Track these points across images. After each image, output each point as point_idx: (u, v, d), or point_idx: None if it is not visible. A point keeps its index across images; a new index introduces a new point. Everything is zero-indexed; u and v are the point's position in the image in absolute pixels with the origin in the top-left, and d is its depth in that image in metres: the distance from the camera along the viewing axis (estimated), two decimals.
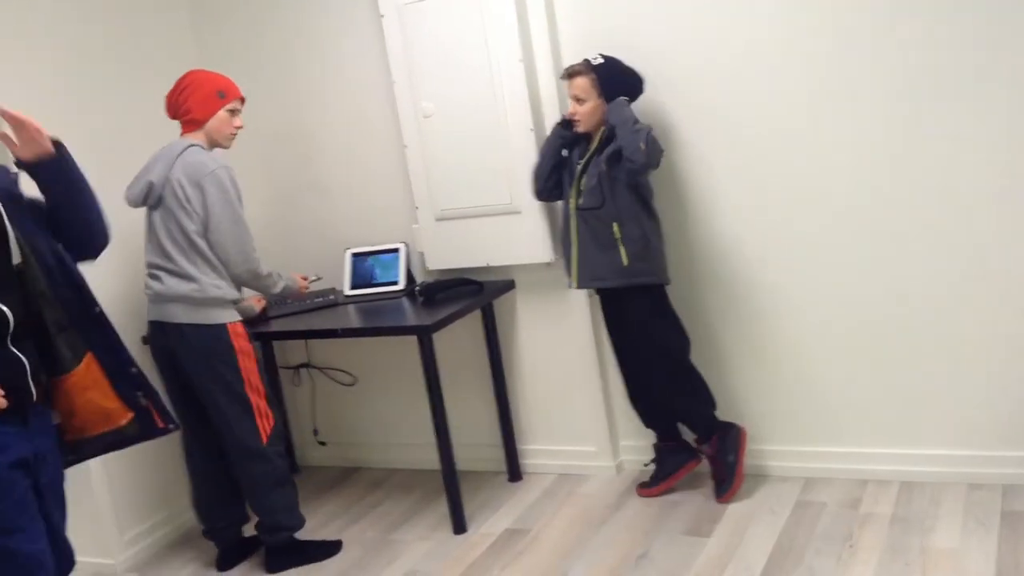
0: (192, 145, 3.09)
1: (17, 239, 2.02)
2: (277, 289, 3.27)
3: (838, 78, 3.03)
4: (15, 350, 2.01)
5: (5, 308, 1.98)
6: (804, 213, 3.17)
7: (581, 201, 3.17)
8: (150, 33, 3.73)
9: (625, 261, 3.12)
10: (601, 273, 3.19)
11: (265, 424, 3.16)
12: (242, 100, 3.22)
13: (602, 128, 3.16)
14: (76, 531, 3.42)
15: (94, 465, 3.32)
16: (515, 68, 3.35)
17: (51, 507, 2.13)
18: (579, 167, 3.20)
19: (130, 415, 2.23)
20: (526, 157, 3.40)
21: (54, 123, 3.30)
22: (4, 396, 1.96)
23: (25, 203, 2.10)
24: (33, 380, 2.04)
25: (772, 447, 3.39)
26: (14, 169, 2.09)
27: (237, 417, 3.13)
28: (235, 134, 3.21)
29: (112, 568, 3.42)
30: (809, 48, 3.05)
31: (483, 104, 3.42)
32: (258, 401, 3.15)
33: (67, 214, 2.15)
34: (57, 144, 2.09)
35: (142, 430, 2.27)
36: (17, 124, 2.02)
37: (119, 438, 2.24)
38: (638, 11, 3.25)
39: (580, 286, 3.28)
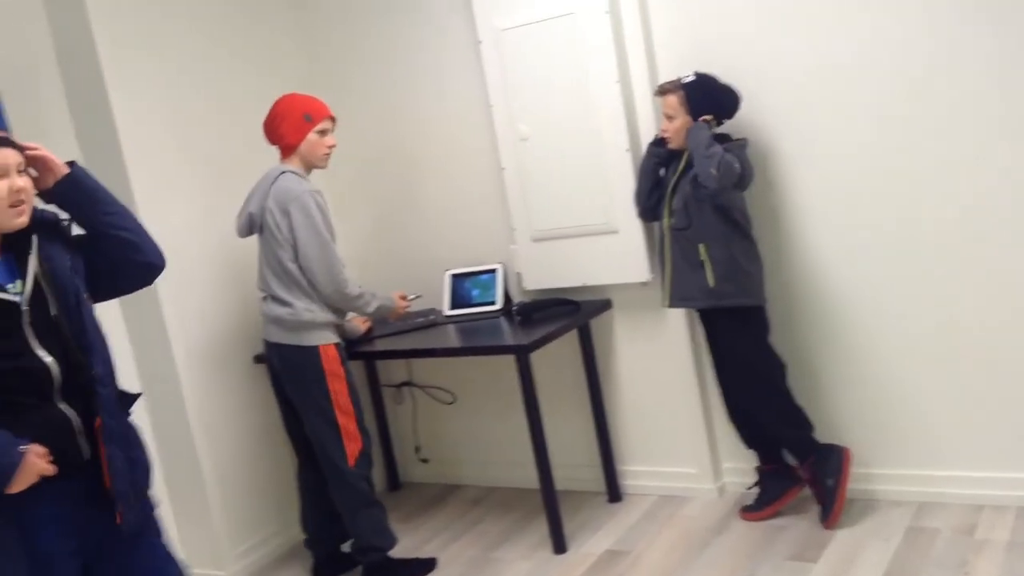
0: (285, 172, 3.18)
1: (52, 286, 2.00)
2: (370, 309, 3.32)
3: (937, 95, 2.94)
4: (64, 406, 1.97)
5: (51, 360, 1.95)
6: (907, 230, 3.08)
7: (672, 221, 3.16)
8: (260, 61, 3.88)
9: (711, 282, 3.09)
10: (690, 293, 3.17)
11: (352, 447, 3.21)
12: (332, 119, 3.27)
13: (688, 149, 3.14)
14: (190, 543, 3.57)
15: (208, 478, 3.47)
16: (611, 89, 3.36)
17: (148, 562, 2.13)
18: (669, 186, 3.19)
19: None
20: (622, 177, 3.40)
21: (169, 149, 3.47)
22: (52, 461, 1.91)
23: (66, 245, 2.10)
24: (83, 437, 2.00)
25: (882, 471, 3.29)
26: (63, 215, 2.10)
27: (327, 437, 3.21)
28: (328, 154, 3.27)
29: None
30: (912, 67, 2.97)
31: (579, 125, 3.44)
32: (347, 423, 3.21)
33: (102, 229, 2.11)
34: (70, 163, 2.11)
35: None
36: (33, 160, 2.03)
37: None
38: (736, 29, 3.22)
39: (670, 305, 3.26)
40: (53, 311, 2.00)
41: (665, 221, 3.20)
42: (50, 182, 2.07)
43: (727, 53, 3.22)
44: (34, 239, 2.01)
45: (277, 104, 3.24)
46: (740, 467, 3.53)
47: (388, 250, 4.15)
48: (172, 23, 3.54)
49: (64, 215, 2.12)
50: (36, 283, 1.98)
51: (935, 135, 2.98)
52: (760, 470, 3.36)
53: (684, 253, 3.15)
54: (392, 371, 4.27)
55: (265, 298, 3.24)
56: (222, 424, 3.57)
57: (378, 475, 4.14)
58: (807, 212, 3.23)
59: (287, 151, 3.23)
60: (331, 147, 3.27)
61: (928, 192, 3.03)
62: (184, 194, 3.51)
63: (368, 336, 3.64)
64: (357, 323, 3.58)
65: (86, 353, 2.03)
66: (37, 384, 1.95)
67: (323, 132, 3.23)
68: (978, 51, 2.87)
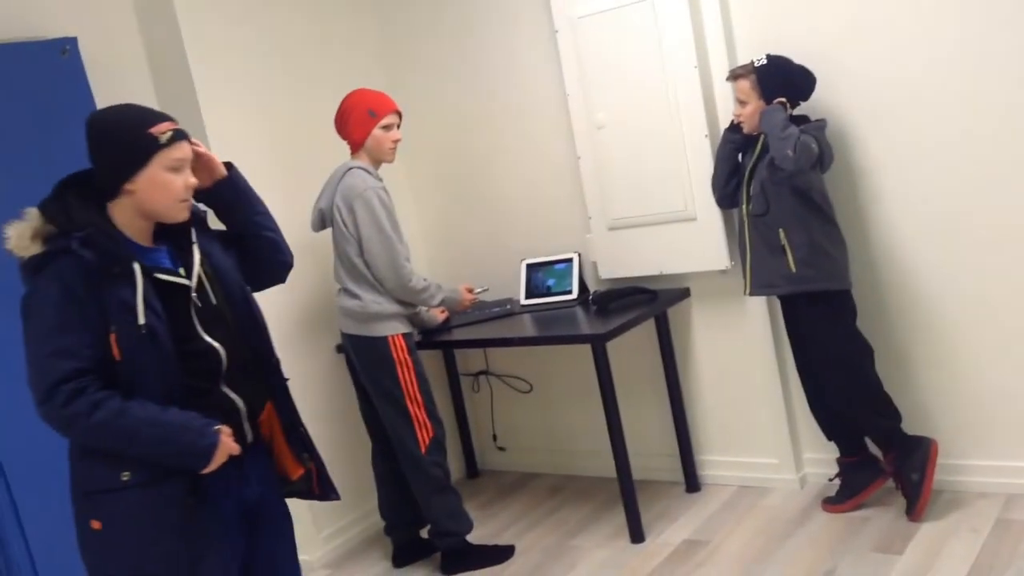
0: (352, 168, 3.24)
1: (211, 277, 2.06)
2: (435, 302, 3.38)
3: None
4: (229, 391, 2.04)
5: (218, 345, 2.01)
6: (993, 213, 2.99)
7: (751, 207, 3.12)
8: (336, 53, 3.95)
9: (793, 268, 3.04)
10: (772, 280, 3.12)
11: (424, 434, 3.28)
12: (397, 113, 3.31)
13: (763, 133, 3.10)
14: None
15: None
16: (690, 74, 3.33)
17: (275, 546, 2.18)
18: (746, 172, 3.15)
19: (300, 471, 2.21)
20: (701, 163, 3.37)
21: (251, 137, 3.55)
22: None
23: (217, 240, 2.15)
24: (248, 421, 2.07)
25: (970, 462, 3.20)
26: (201, 206, 2.17)
27: (400, 425, 3.28)
28: (394, 148, 3.31)
29: (309, 564, 3.62)
30: (997, 48, 2.87)
31: (656, 112, 3.42)
32: (417, 411, 3.28)
33: (251, 230, 2.19)
34: (228, 165, 2.17)
35: (308, 491, 2.25)
36: (197, 156, 2.07)
37: (289, 491, 2.23)
38: (815, 12, 3.16)
39: (752, 293, 3.22)
40: (215, 301, 2.05)
41: (744, 207, 3.16)
42: (207, 181, 2.12)
43: (807, 35, 3.16)
44: (192, 232, 2.08)
45: (344, 101, 3.30)
46: (822, 458, 3.48)
47: (463, 240, 4.19)
48: (253, 19, 3.62)
49: (202, 207, 2.18)
50: (198, 273, 2.05)
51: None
52: (842, 462, 3.29)
53: (764, 239, 3.10)
54: (469, 360, 4.31)
55: (339, 291, 3.33)
56: (307, 411, 3.63)
57: (456, 463, 4.21)
58: (896, 196, 3.15)
59: (355, 147, 3.30)
60: (396, 141, 3.31)
61: (1021, 179, 2.93)
62: (266, 185, 3.58)
63: (445, 325, 3.68)
64: (435, 313, 3.62)
65: (259, 341, 2.13)
66: (208, 368, 2.02)
67: (388, 127, 3.28)
68: None
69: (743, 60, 3.28)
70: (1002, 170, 2.96)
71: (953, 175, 3.04)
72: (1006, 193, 2.97)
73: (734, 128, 3.21)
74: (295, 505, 2.22)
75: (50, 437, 1.93)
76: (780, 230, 3.05)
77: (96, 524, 1.93)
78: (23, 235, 1.88)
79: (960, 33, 2.94)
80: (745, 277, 3.22)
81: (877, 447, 3.20)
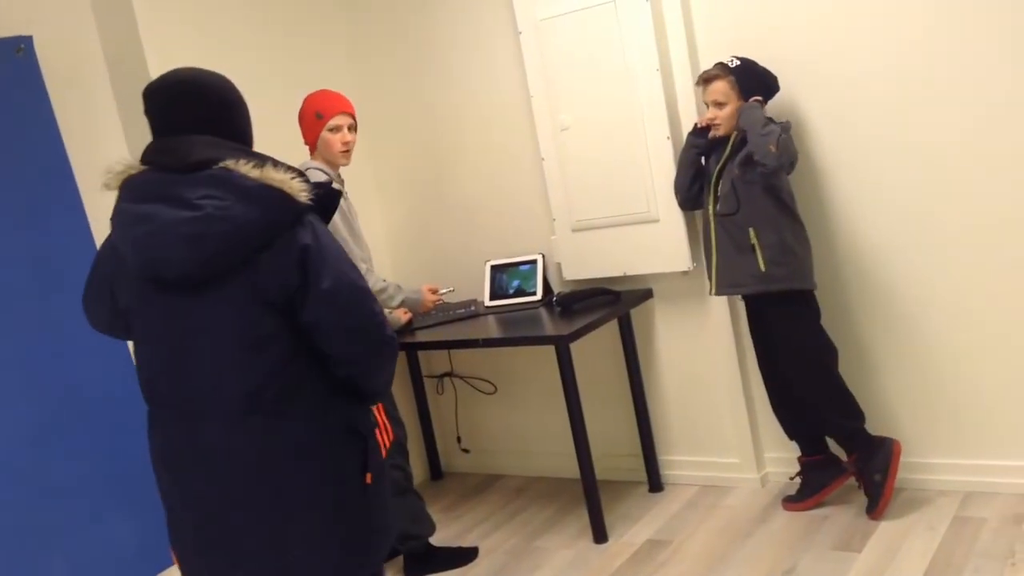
0: (308, 168, 3.13)
1: None
2: (395, 303, 3.36)
3: (987, 73, 2.89)
4: None
5: None
6: (957, 212, 3.04)
7: (718, 207, 3.14)
8: (299, 50, 3.91)
9: (762, 267, 3.06)
10: (739, 279, 3.14)
11: (384, 436, 3.24)
12: (348, 115, 3.21)
13: (734, 132, 3.12)
14: None
15: None
16: (652, 77, 3.35)
17: None
18: (714, 172, 3.17)
19: None
20: (664, 165, 3.39)
21: None
22: None
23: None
24: None
25: (928, 460, 3.25)
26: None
27: None
28: (345, 151, 3.21)
29: None
30: (959, 47, 2.93)
31: (620, 114, 3.44)
32: (376, 413, 3.24)
33: None
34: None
35: None
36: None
37: None
38: (778, 15, 3.19)
39: (718, 293, 3.24)
40: None
41: (710, 208, 3.18)
42: None
43: (769, 38, 3.20)
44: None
45: (302, 103, 3.27)
46: (783, 457, 3.51)
47: (428, 241, 4.18)
48: (214, 19, 3.59)
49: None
50: None
51: (993, 120, 2.92)
52: (803, 460, 3.33)
53: (732, 238, 3.12)
54: (433, 362, 4.30)
55: None
56: None
57: (420, 465, 4.19)
58: (853, 192, 3.19)
59: (310, 149, 3.27)
60: (346, 143, 3.21)
61: (986, 172, 2.97)
62: None
63: (409, 327, 3.67)
64: (398, 314, 3.60)
65: None
66: None
67: (335, 129, 3.18)
68: None
69: (705, 63, 3.31)
70: (966, 167, 3.00)
71: (916, 173, 3.08)
72: (970, 191, 3.01)
73: (698, 132, 3.23)
74: None
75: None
76: (750, 229, 3.07)
77: (368, 478, 1.98)
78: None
79: (921, 32, 2.98)
80: (710, 277, 3.24)
81: (840, 447, 3.23)
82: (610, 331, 3.67)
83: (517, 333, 3.51)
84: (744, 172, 3.06)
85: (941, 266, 3.10)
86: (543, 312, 3.64)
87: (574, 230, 3.68)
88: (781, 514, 3.32)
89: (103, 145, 3.33)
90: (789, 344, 3.15)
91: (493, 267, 3.91)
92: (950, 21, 2.93)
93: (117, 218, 1.90)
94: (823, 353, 3.16)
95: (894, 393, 3.27)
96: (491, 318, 3.72)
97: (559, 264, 3.79)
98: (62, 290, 3.04)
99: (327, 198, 1.93)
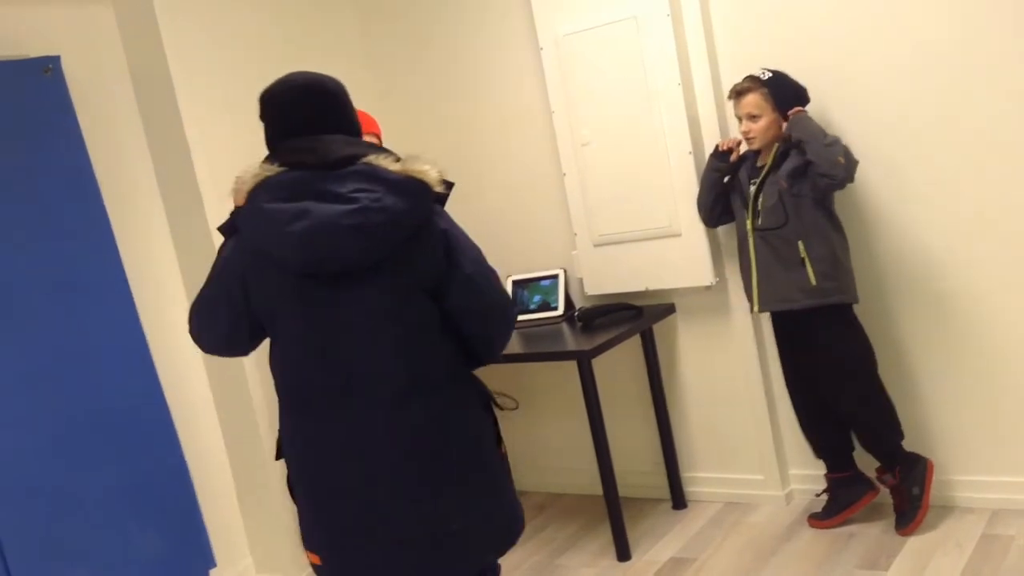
0: None
1: None
2: None
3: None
4: None
5: None
6: (995, 226, 2.99)
7: (760, 222, 3.07)
8: (322, 66, 3.93)
9: (813, 280, 3.00)
10: (787, 294, 3.07)
11: None
12: (373, 135, 3.20)
13: (776, 144, 3.07)
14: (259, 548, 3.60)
15: (277, 485, 3.53)
16: (673, 92, 3.34)
17: None
18: (753, 186, 3.12)
19: None
20: (686, 180, 3.38)
21: (237, 163, 3.54)
22: None
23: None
24: None
25: (957, 477, 3.21)
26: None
27: None
28: None
29: None
30: (988, 51, 2.90)
31: (641, 129, 3.44)
32: None
33: None
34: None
35: None
36: None
37: None
38: (800, 29, 3.18)
39: (763, 309, 3.16)
40: None
41: (749, 223, 3.11)
42: None
43: (791, 54, 3.18)
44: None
45: None
46: (808, 474, 3.48)
47: None
48: (238, 37, 3.63)
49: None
50: None
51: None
52: (830, 477, 3.29)
53: (776, 253, 3.05)
54: None
55: None
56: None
57: None
58: (894, 203, 3.14)
59: None
60: None
61: (1009, 187, 2.94)
62: None
63: None
64: None
65: None
66: None
67: None
68: None
69: (726, 78, 3.31)
70: (1003, 172, 2.95)
71: (958, 182, 3.03)
72: (1006, 197, 2.96)
73: (720, 156, 3.20)
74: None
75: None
76: (800, 243, 3.01)
77: (503, 449, 2.17)
78: None
79: (947, 32, 2.94)
80: (751, 294, 3.17)
81: (880, 461, 3.17)
82: (632, 346, 3.66)
83: (539, 348, 3.51)
84: (793, 184, 2.99)
85: (979, 279, 3.05)
86: (565, 327, 3.64)
87: (596, 245, 3.67)
88: (806, 531, 3.28)
89: (129, 162, 3.37)
90: (836, 356, 3.09)
91: (515, 282, 3.91)
92: (977, 28, 2.90)
93: (257, 218, 1.93)
94: (873, 366, 3.11)
95: (925, 406, 3.23)
96: (513, 333, 3.71)
97: (581, 279, 3.78)
98: (87, 304, 3.08)
99: (449, 189, 2.06)
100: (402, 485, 1.97)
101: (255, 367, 3.47)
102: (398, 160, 1.98)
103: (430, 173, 1.99)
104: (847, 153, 2.92)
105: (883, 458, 3.16)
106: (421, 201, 1.97)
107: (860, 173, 3.12)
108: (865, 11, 3.06)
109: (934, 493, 3.19)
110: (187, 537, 3.27)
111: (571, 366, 3.41)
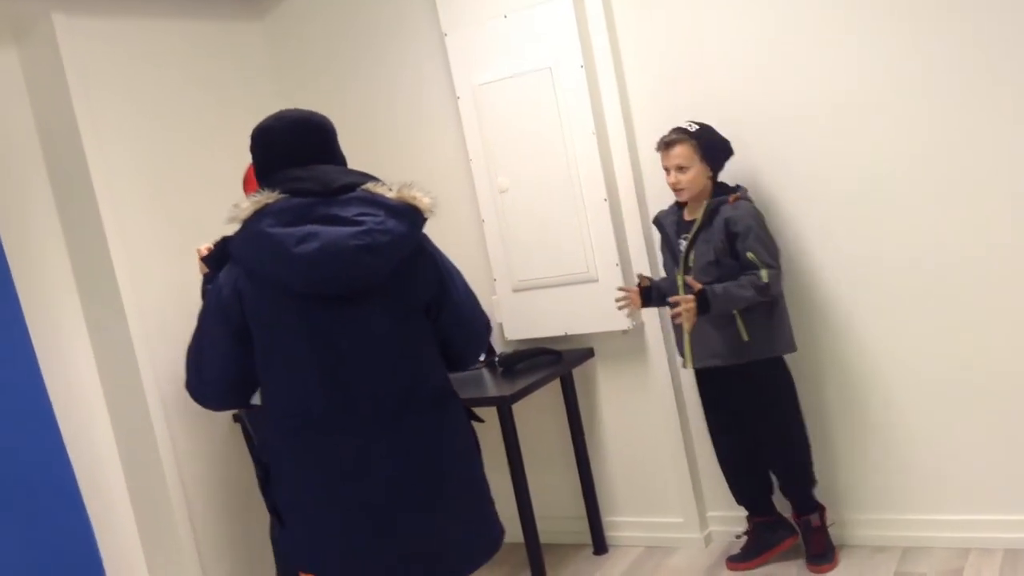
0: None
1: None
2: None
3: (941, 129, 2.96)
4: None
5: None
6: (901, 271, 3.08)
7: (690, 278, 3.04)
8: (238, 114, 3.91)
9: (744, 336, 3.01)
10: (718, 350, 3.07)
11: None
12: None
13: (705, 201, 3.08)
14: None
15: (183, 532, 3.42)
16: (588, 140, 3.41)
17: None
18: (684, 241, 3.11)
19: None
20: (601, 227, 3.43)
21: (147, 211, 3.47)
22: None
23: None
24: None
25: (867, 516, 3.27)
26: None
27: None
28: None
29: None
30: (893, 95, 3.01)
31: (557, 176, 3.48)
32: None
33: None
34: None
35: None
36: None
37: None
38: (711, 77, 3.27)
39: (696, 365, 3.15)
40: None
41: (680, 279, 3.11)
42: None
43: (703, 103, 3.27)
44: None
45: (248, 168, 3.26)
46: (726, 515, 3.51)
47: None
48: (157, 111, 3.59)
49: None
50: None
51: (951, 166, 2.96)
52: (753, 520, 3.31)
53: None
54: None
55: None
56: (203, 477, 3.54)
57: None
58: (806, 250, 3.22)
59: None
60: None
61: (934, 227, 3.02)
62: (161, 246, 3.51)
63: None
64: None
65: None
66: None
67: None
68: (958, 74, 2.92)
69: (639, 127, 3.39)
70: (918, 222, 3.03)
71: (855, 226, 3.12)
72: (910, 244, 3.05)
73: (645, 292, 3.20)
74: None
75: None
76: None
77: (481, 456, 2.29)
78: None
79: (864, 83, 3.04)
80: (684, 350, 3.16)
81: (796, 506, 3.21)
82: (553, 391, 3.66)
83: (459, 394, 3.48)
84: (727, 246, 2.99)
85: (882, 321, 3.14)
86: (485, 373, 3.63)
87: (515, 290, 3.69)
88: (725, 573, 3.30)
89: (33, 214, 3.28)
90: (770, 409, 3.12)
91: None
92: (877, 65, 3.02)
93: (261, 241, 2.00)
94: (799, 413, 3.16)
95: (831, 448, 3.30)
96: None
97: (501, 324, 3.79)
98: None
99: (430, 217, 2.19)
100: (406, 500, 2.07)
101: (166, 430, 3.37)
102: (391, 188, 2.12)
103: (423, 200, 2.13)
104: (761, 286, 2.90)
105: (798, 503, 3.20)
106: (416, 225, 2.11)
107: (774, 223, 3.19)
108: (774, 55, 3.16)
109: (847, 532, 3.27)
110: None
111: (491, 412, 3.40)
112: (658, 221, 3.26)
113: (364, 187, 2.09)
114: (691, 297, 2.91)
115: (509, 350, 3.68)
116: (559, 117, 3.44)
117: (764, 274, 2.93)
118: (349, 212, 2.02)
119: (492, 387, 3.42)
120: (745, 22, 3.19)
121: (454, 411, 2.20)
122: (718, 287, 2.93)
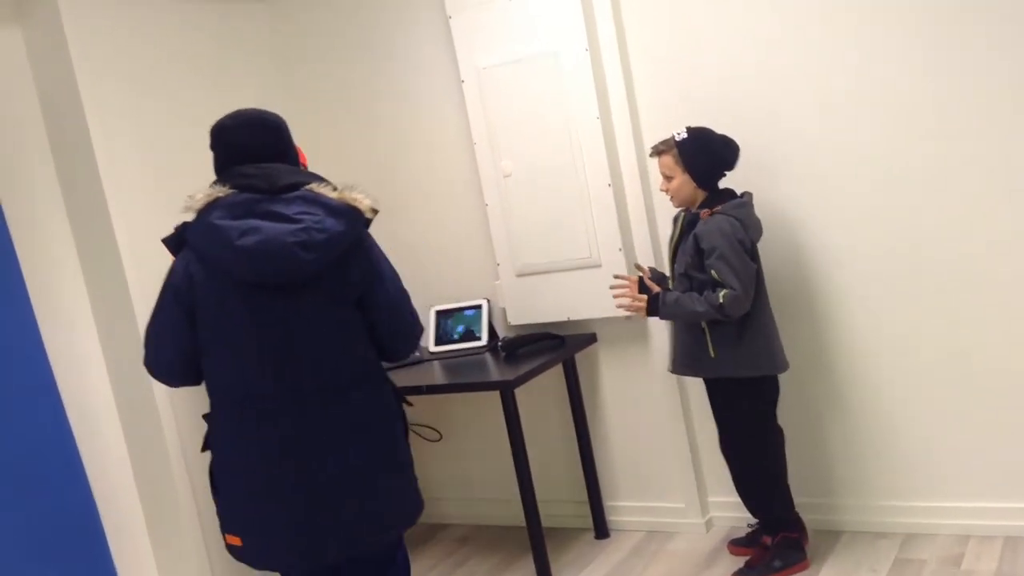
0: None
1: None
2: None
3: (941, 128, 2.96)
4: None
5: None
6: (908, 254, 3.08)
7: (675, 285, 3.06)
8: (241, 101, 3.89)
9: (712, 353, 3.00)
10: (689, 362, 3.08)
11: None
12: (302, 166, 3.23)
13: (685, 210, 3.06)
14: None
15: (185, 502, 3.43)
16: (592, 125, 3.39)
17: None
18: (671, 250, 3.11)
19: None
20: (605, 212, 3.43)
21: (152, 165, 3.46)
22: None
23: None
24: None
25: (869, 502, 3.28)
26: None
27: None
28: None
29: None
30: (908, 92, 3.00)
31: (561, 161, 3.47)
32: None
33: None
34: None
35: None
36: None
37: None
38: (717, 62, 3.26)
39: (673, 371, 3.20)
40: None
41: (670, 284, 3.12)
42: None
43: (709, 87, 3.26)
44: None
45: None
46: (727, 501, 3.52)
47: None
48: (159, 92, 3.57)
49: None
50: None
51: (939, 157, 2.96)
52: (784, 536, 3.16)
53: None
54: None
55: None
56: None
57: None
58: (794, 239, 3.24)
59: None
60: None
61: (936, 217, 3.03)
62: (165, 225, 3.50)
63: None
64: None
65: None
66: None
67: None
68: (965, 75, 2.92)
69: (644, 111, 3.38)
70: (917, 219, 3.04)
71: (862, 223, 3.12)
72: (917, 231, 3.04)
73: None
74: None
75: None
76: None
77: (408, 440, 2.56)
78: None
79: (880, 75, 3.02)
80: (670, 354, 3.20)
81: (762, 524, 3.19)
82: (555, 376, 3.67)
83: (462, 379, 3.49)
84: (695, 259, 2.96)
85: (883, 304, 3.14)
86: (488, 357, 3.63)
87: (518, 275, 3.69)
88: (726, 558, 3.32)
89: (36, 188, 3.27)
90: (735, 427, 3.11)
91: (438, 312, 3.89)
92: (887, 61, 3.02)
93: (209, 231, 2.22)
94: (767, 443, 3.09)
95: (834, 436, 3.31)
96: (436, 364, 3.69)
97: (504, 309, 3.79)
98: None
99: (374, 215, 2.39)
100: (338, 474, 2.29)
101: (168, 404, 3.38)
102: (335, 189, 2.32)
103: (363, 201, 2.33)
104: (718, 306, 2.85)
105: (765, 523, 3.17)
106: (354, 224, 2.30)
107: (767, 208, 3.20)
108: (779, 40, 3.15)
109: (848, 519, 3.28)
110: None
111: (494, 396, 3.41)
112: (675, 219, 3.20)
113: (308, 187, 2.29)
114: (644, 297, 3.05)
115: (512, 335, 3.68)
116: (563, 101, 3.42)
117: (722, 295, 2.86)
118: (291, 210, 2.23)
119: (495, 371, 3.43)
120: (751, 4, 3.17)
121: (385, 393, 2.44)
122: (672, 294, 2.99)
